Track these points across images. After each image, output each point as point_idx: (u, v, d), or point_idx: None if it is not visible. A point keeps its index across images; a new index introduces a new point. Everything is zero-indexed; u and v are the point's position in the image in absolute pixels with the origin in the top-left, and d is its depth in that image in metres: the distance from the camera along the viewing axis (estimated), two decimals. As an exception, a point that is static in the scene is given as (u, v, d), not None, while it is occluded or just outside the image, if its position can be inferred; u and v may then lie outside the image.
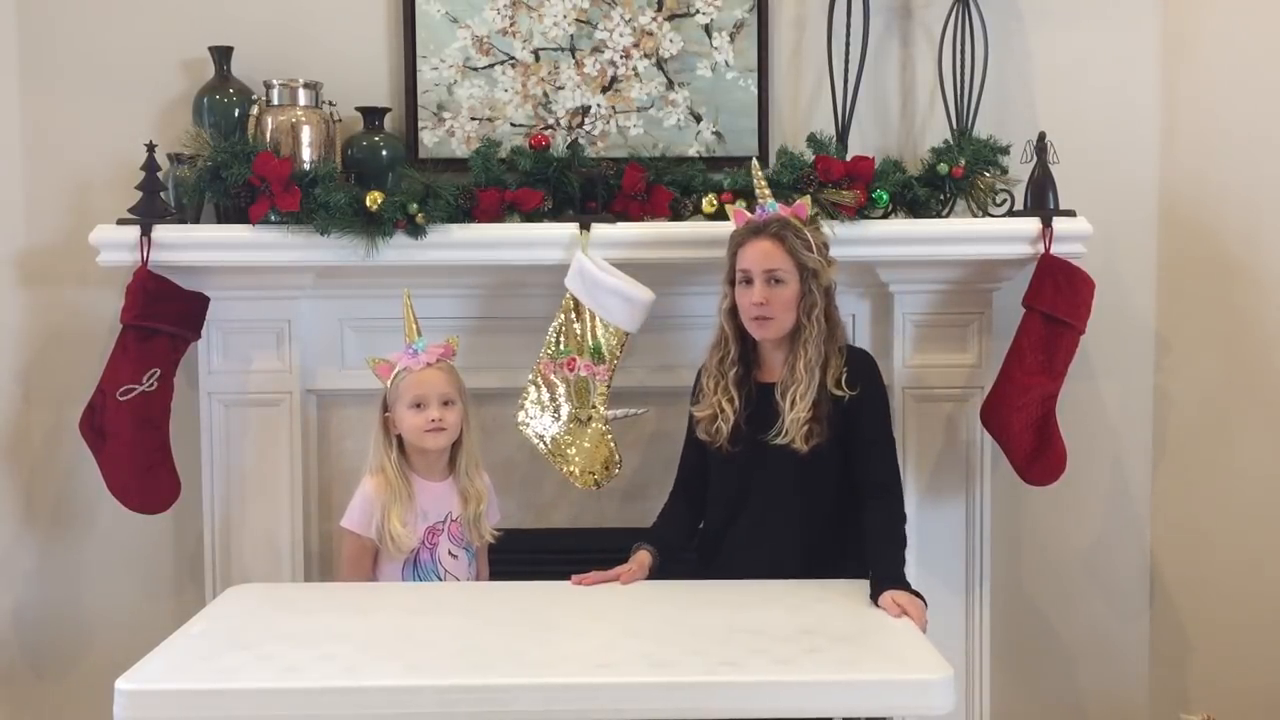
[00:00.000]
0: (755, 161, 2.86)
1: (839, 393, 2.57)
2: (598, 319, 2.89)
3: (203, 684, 2.01)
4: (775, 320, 2.62)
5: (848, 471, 2.62)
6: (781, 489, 2.62)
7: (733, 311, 2.68)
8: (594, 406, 2.91)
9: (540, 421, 2.94)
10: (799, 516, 2.63)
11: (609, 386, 2.92)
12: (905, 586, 2.43)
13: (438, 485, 2.75)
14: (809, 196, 2.77)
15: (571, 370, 2.90)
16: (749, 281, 2.62)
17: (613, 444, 2.92)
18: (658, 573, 2.64)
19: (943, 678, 2.02)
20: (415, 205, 2.89)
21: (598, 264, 2.88)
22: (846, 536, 2.60)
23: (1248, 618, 3.19)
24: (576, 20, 3.18)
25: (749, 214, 2.71)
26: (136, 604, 3.25)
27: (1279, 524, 3.14)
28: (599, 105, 3.20)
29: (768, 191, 2.74)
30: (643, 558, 2.65)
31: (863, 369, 2.64)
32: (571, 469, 2.93)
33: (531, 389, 2.94)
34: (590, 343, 2.90)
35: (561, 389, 2.92)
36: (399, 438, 2.73)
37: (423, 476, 2.74)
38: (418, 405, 2.68)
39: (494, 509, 2.83)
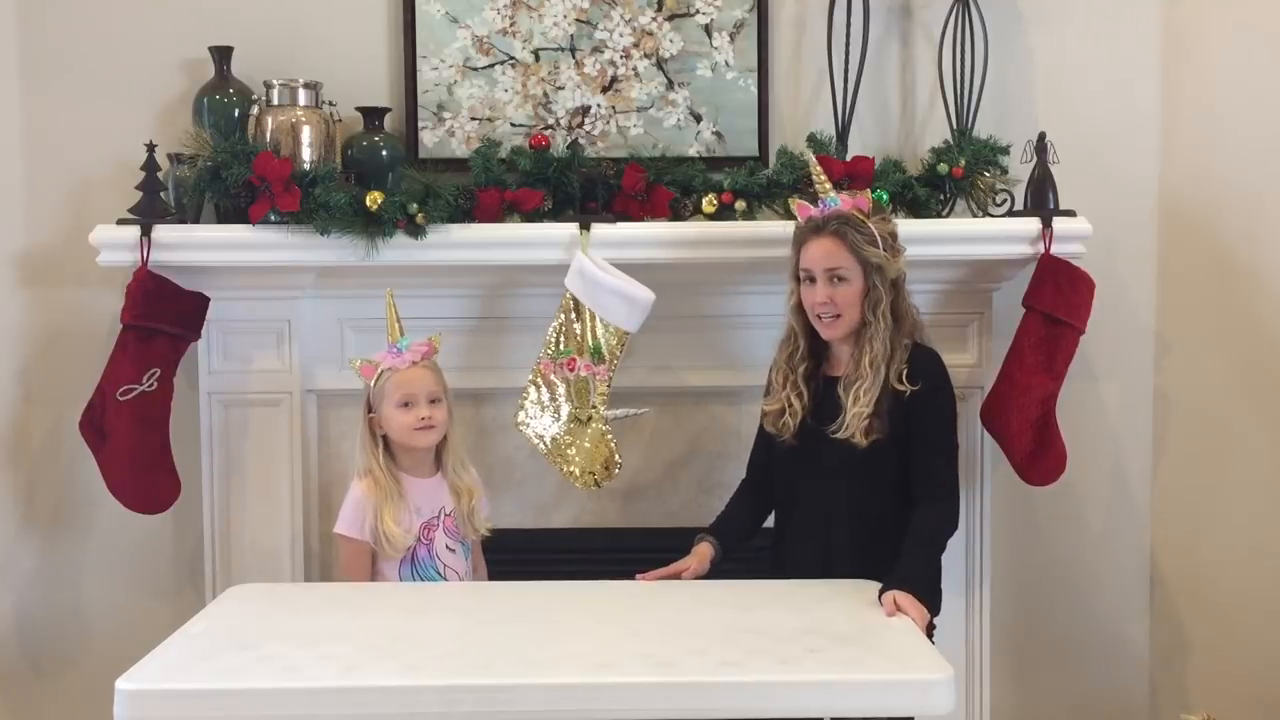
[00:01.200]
0: (811, 155, 2.85)
1: (900, 387, 2.55)
2: (597, 319, 2.89)
3: (203, 684, 2.01)
4: (841, 318, 2.60)
5: (906, 474, 2.60)
6: (835, 483, 2.61)
7: (799, 308, 2.66)
8: (594, 407, 2.91)
9: (540, 421, 2.93)
10: (851, 512, 2.61)
11: (609, 386, 2.92)
12: (914, 591, 2.38)
13: (427, 482, 2.75)
14: (868, 190, 2.73)
15: (571, 370, 2.90)
16: (812, 280, 2.61)
17: (613, 444, 2.92)
18: (719, 564, 2.68)
19: (943, 678, 2.02)
20: (415, 205, 2.89)
21: (598, 264, 2.88)
22: (903, 539, 2.54)
23: (1248, 618, 3.19)
24: (576, 20, 3.18)
25: (812, 208, 2.65)
26: (136, 604, 3.25)
27: (1279, 524, 3.15)
28: (599, 105, 3.20)
29: (829, 185, 2.69)
30: (704, 550, 2.67)
31: (924, 369, 2.59)
32: (571, 469, 2.93)
33: (531, 389, 2.94)
34: (590, 343, 2.90)
35: (561, 389, 2.92)
36: (384, 437, 2.73)
37: (411, 474, 2.74)
38: (406, 404, 2.68)
39: (483, 505, 2.83)
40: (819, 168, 2.74)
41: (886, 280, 2.59)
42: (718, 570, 2.67)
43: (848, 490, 2.61)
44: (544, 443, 2.93)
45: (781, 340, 2.74)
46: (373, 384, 2.72)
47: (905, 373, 2.56)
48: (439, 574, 2.72)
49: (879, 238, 2.58)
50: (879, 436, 2.55)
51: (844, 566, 2.57)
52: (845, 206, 2.61)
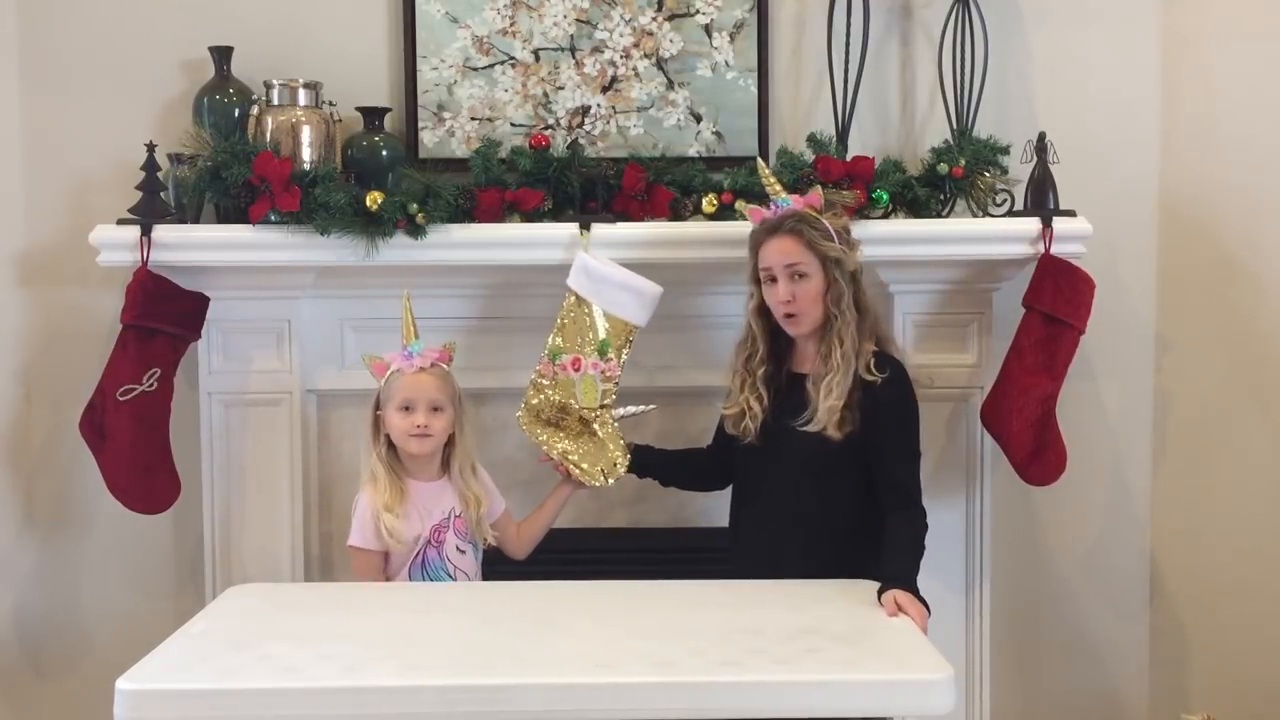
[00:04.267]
0: (760, 161, 2.86)
1: (870, 377, 2.57)
2: (600, 317, 2.88)
3: (203, 684, 2.01)
4: (805, 315, 2.63)
5: (870, 482, 2.61)
6: (799, 480, 2.62)
7: (760, 310, 2.70)
8: (602, 406, 2.89)
9: (545, 423, 2.92)
10: (810, 509, 2.62)
11: (617, 385, 2.90)
12: (912, 590, 2.41)
13: (431, 485, 2.75)
14: (819, 186, 2.76)
15: (578, 369, 2.89)
16: (774, 280, 2.63)
17: (621, 441, 2.90)
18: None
19: (943, 678, 2.02)
20: (415, 205, 2.89)
21: (601, 261, 2.88)
22: (865, 552, 2.55)
23: (1248, 618, 3.20)
24: (576, 20, 3.18)
25: (764, 210, 2.69)
26: (136, 604, 3.25)
27: (1279, 524, 3.15)
28: (599, 105, 3.20)
29: (778, 187, 2.73)
30: None
31: (888, 377, 2.60)
32: (583, 466, 2.89)
33: (533, 389, 2.92)
34: (595, 341, 2.88)
35: (566, 388, 2.90)
36: (387, 436, 2.73)
37: (414, 478, 2.73)
38: (406, 408, 2.68)
39: (497, 501, 2.84)
40: (768, 173, 2.77)
41: (846, 273, 2.62)
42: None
43: (811, 487, 2.62)
44: (548, 442, 2.91)
45: (738, 343, 2.77)
46: (382, 383, 2.72)
47: (873, 363, 2.59)
48: (449, 576, 2.71)
49: (834, 233, 2.62)
50: (853, 429, 2.56)
51: (794, 562, 2.59)
52: (798, 205, 2.64)
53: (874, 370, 2.58)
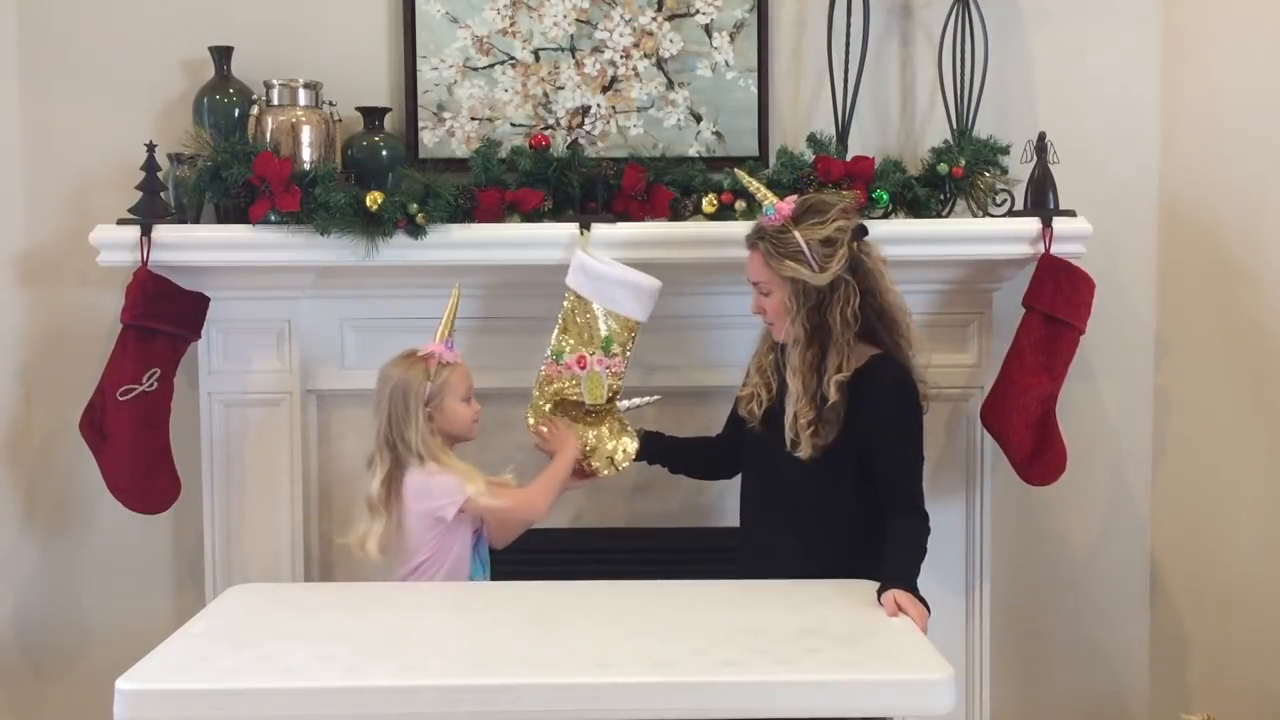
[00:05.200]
0: (737, 171, 2.86)
1: (834, 396, 2.53)
2: (601, 315, 2.88)
3: (203, 684, 2.01)
4: (775, 326, 2.64)
5: (868, 488, 2.60)
6: (794, 481, 2.62)
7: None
8: (608, 400, 2.89)
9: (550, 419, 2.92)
10: (801, 517, 2.63)
11: (621, 380, 2.90)
12: (912, 590, 2.41)
13: None
14: (796, 195, 2.70)
15: (583, 367, 2.89)
16: None
17: (626, 437, 2.90)
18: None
19: (943, 678, 2.02)
20: (415, 205, 2.89)
21: (598, 258, 2.88)
22: (865, 552, 2.55)
23: (1248, 618, 3.20)
24: (576, 20, 3.18)
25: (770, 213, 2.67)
26: (136, 604, 3.24)
27: (1279, 524, 3.15)
28: (599, 105, 3.20)
29: (765, 192, 2.70)
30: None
31: (880, 380, 2.57)
32: (593, 461, 2.89)
33: (538, 389, 2.92)
34: (599, 339, 2.88)
35: (571, 386, 2.89)
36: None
37: None
38: (467, 399, 2.73)
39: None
40: (751, 180, 2.76)
41: (809, 290, 2.55)
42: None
43: (810, 485, 2.61)
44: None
45: (763, 331, 2.77)
46: (431, 379, 2.70)
47: (848, 380, 2.53)
48: (482, 560, 2.74)
49: (805, 246, 2.53)
50: (827, 443, 2.54)
51: (793, 561, 2.59)
52: (775, 217, 2.58)
53: (841, 389, 2.52)
